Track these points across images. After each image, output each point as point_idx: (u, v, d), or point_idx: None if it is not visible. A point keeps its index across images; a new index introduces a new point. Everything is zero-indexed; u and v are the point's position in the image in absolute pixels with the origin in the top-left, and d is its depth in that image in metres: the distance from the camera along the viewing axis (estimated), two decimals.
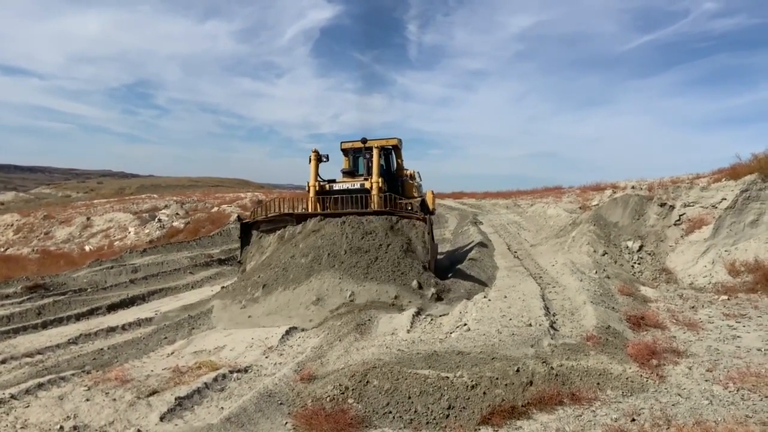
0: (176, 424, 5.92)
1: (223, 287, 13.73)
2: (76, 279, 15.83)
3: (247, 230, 14.57)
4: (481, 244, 19.07)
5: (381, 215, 13.28)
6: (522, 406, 6.41)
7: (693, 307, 11.29)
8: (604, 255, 15.66)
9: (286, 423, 6.14)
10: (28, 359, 8.63)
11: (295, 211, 14.57)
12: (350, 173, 15.57)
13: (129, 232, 29.04)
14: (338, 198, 14.36)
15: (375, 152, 14.70)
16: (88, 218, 32.98)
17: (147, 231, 28.74)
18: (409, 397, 6.47)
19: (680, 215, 16.82)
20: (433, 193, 17.79)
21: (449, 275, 14.14)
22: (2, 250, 29.11)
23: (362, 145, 15.33)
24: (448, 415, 6.22)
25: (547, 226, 23.61)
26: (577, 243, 16.90)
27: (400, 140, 16.67)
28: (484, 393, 6.49)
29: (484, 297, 11.73)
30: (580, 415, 6.22)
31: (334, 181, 15.33)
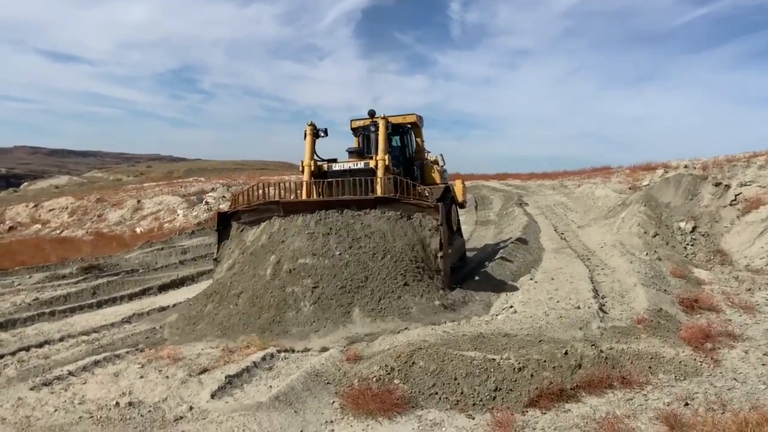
0: (226, 402, 6.03)
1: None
2: (128, 260, 16.29)
3: (225, 222, 11.50)
4: (526, 227, 18.81)
5: (383, 204, 10.45)
6: (570, 389, 6.31)
7: (749, 290, 10.90)
8: (655, 236, 15.25)
9: (333, 402, 6.20)
10: (85, 337, 8.91)
11: (283, 198, 11.34)
12: (357, 152, 12.66)
13: (177, 215, 29.68)
14: (336, 182, 11.29)
15: (381, 125, 11.78)
16: (139, 201, 33.82)
17: (195, 213, 29.33)
18: (455, 379, 6.43)
19: (736, 195, 16.25)
20: (464, 183, 15.22)
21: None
22: (58, 232, 30.13)
23: (374, 121, 12.53)
24: (494, 397, 6.17)
25: (595, 207, 23.15)
26: (627, 224, 16.51)
27: (419, 117, 14.33)
28: (532, 375, 6.40)
29: (530, 279, 11.59)
30: (631, 399, 6.09)
31: (335, 160, 12.50)
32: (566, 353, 6.76)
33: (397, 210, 10.33)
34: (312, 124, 12.12)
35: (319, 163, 12.10)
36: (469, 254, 15.46)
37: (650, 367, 6.79)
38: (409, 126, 13.96)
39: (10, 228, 32.94)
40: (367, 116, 13.01)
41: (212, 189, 36.10)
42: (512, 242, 15.99)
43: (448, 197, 12.90)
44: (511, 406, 6.00)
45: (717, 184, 16.89)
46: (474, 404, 6.08)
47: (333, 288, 9.11)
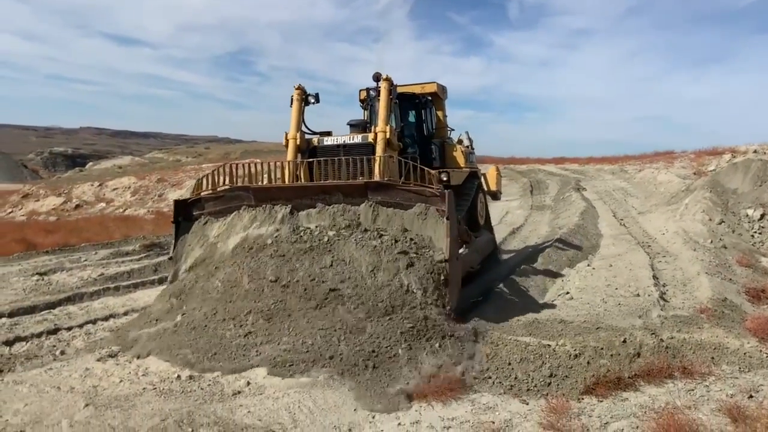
0: (282, 378, 6.14)
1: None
2: None
3: (186, 211, 9.00)
4: (584, 213, 18.40)
5: (375, 190, 7.90)
6: (629, 377, 6.16)
7: None
8: (720, 224, 14.68)
9: None
10: None
11: (255, 183, 8.89)
12: (359, 125, 9.90)
13: None
14: (324, 161, 8.77)
15: (383, 88, 9.11)
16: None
17: None
18: (509, 363, 6.37)
19: None
20: (498, 170, 13.64)
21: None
22: (121, 210, 31.25)
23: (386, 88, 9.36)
24: (549, 383, 6.08)
25: (657, 193, 22.45)
26: (691, 210, 15.94)
27: (441, 87, 12.02)
28: (588, 362, 6.28)
29: (588, 265, 11.37)
30: (692, 390, 5.90)
31: (329, 134, 9.81)
32: (625, 341, 6.60)
33: (393, 198, 7.82)
34: (300, 88, 9.67)
35: (308, 137, 9.61)
36: (515, 245, 15.05)
37: (713, 358, 6.57)
38: (429, 97, 11.58)
39: (77, 206, 34.32)
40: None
41: None
42: (569, 228, 15.67)
43: (471, 185, 11.25)
44: (566, 392, 5.91)
45: None
46: (528, 390, 6.02)
47: (289, 351, 6.33)
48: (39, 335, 7.72)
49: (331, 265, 7.20)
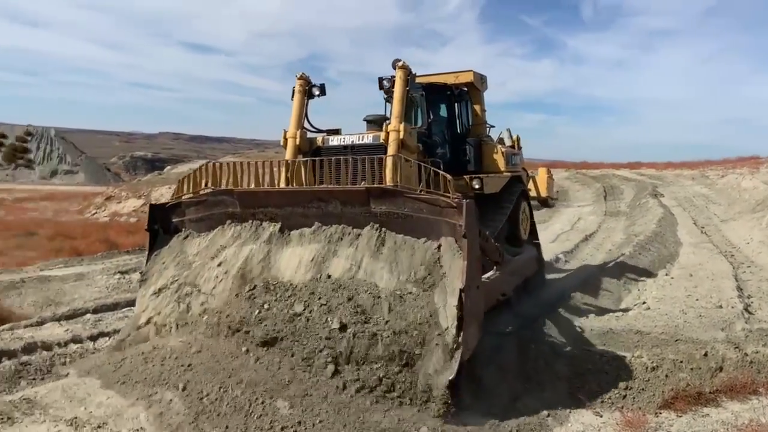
0: None
1: None
2: None
3: (164, 218, 7.55)
4: (661, 220, 17.79)
5: (378, 198, 6.04)
6: (710, 392, 5.93)
7: None
8: None
9: None
10: None
11: (239, 186, 7.01)
12: (378, 122, 7.88)
13: None
14: (328, 162, 6.72)
15: (398, 77, 7.38)
16: None
17: None
18: (582, 374, 6.27)
19: None
20: (550, 173, 11.85)
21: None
22: None
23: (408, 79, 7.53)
24: (624, 396, 5.93)
25: (741, 200, 21.45)
26: None
27: (480, 76, 10.05)
28: (666, 376, 6.09)
29: (666, 275, 11.02)
30: None
31: (337, 131, 8.26)
32: (706, 354, 6.37)
33: (401, 208, 5.98)
34: (303, 77, 8.10)
35: (310, 136, 8.14)
36: (587, 252, 14.48)
37: None
38: (464, 89, 9.80)
39: None
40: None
41: None
42: (645, 235, 15.18)
43: (512, 192, 9.47)
44: (643, 406, 5.75)
45: None
46: (602, 402, 5.89)
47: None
48: (120, 331, 8.12)
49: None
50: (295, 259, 6.22)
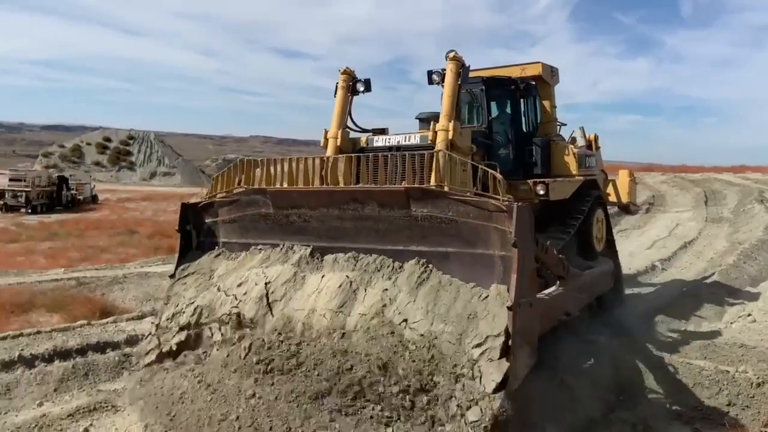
0: None
1: None
2: None
3: (197, 218, 7.17)
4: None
5: (419, 200, 5.36)
6: None
7: None
8: None
9: None
10: None
11: (272, 185, 6.53)
12: (430, 120, 6.96)
13: None
14: (366, 159, 6.23)
15: (449, 70, 6.74)
16: None
17: None
18: (680, 389, 6.02)
19: None
20: (632, 176, 10.64)
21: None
22: None
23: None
24: (727, 412, 5.66)
25: None
26: None
27: (549, 69, 9.24)
28: None
29: None
30: None
31: (383, 131, 7.71)
32: None
33: (444, 211, 5.27)
34: (347, 72, 7.64)
35: (353, 136, 7.65)
36: (686, 260, 13.86)
37: None
38: (531, 82, 8.93)
39: None
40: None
41: None
42: (751, 243, 14.33)
43: (584, 198, 8.51)
44: (748, 423, 5.47)
45: None
46: (702, 418, 5.64)
47: None
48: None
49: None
50: (323, 288, 5.61)
